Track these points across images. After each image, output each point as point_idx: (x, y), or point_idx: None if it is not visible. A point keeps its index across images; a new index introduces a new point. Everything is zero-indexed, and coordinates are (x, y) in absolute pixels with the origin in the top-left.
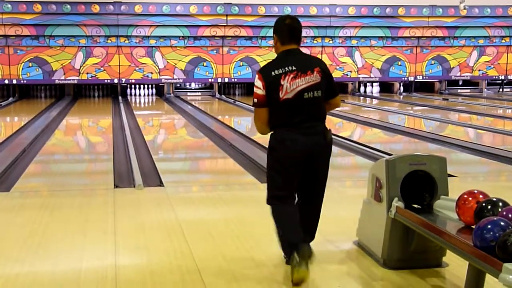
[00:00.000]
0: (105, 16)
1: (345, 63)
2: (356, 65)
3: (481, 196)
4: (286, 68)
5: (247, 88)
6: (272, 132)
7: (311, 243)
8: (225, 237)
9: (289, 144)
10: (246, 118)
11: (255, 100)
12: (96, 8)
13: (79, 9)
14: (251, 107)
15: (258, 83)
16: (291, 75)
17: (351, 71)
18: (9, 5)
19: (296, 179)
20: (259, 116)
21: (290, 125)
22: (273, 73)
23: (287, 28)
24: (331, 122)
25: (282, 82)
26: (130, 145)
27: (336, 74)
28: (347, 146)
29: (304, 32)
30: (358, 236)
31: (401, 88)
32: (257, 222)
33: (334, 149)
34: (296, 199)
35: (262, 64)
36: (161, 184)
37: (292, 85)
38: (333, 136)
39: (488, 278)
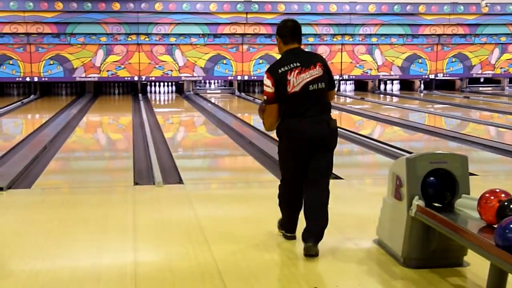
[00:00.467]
0: (126, 14)
1: (365, 61)
2: (376, 63)
3: (503, 195)
4: (291, 64)
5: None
6: (282, 121)
7: (326, 236)
8: (245, 235)
9: (295, 132)
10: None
11: (265, 97)
12: (116, 6)
13: (100, 7)
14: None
15: (267, 81)
16: (296, 71)
17: (371, 69)
18: (31, 3)
19: (301, 165)
20: (271, 112)
21: (297, 115)
22: (279, 70)
23: (289, 29)
24: (351, 120)
25: (289, 78)
26: (150, 143)
27: (356, 72)
28: (367, 144)
29: (323, 30)
30: (378, 235)
31: (422, 86)
32: (276, 220)
33: (354, 147)
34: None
35: None
36: (180, 181)
37: (298, 79)
38: (350, 133)
39: (511, 277)
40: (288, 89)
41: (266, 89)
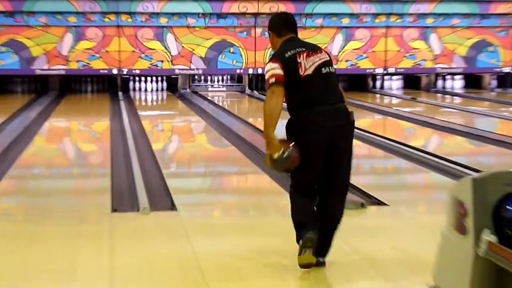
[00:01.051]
0: None
1: (417, 49)
2: (433, 52)
3: None
4: (297, 49)
5: None
6: (293, 114)
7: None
8: (258, 279)
9: (314, 125)
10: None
11: (274, 79)
12: None
13: None
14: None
15: (274, 65)
16: (304, 54)
17: (425, 60)
18: None
19: (320, 166)
20: (274, 91)
21: (312, 103)
22: (286, 54)
23: (282, 21)
24: (398, 127)
25: (299, 60)
26: (133, 156)
27: (406, 64)
28: (419, 159)
29: (363, 8)
30: (435, 279)
31: (493, 82)
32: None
33: (402, 162)
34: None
35: None
36: (173, 207)
37: (308, 62)
38: (397, 144)
39: None
40: (300, 72)
41: (273, 71)
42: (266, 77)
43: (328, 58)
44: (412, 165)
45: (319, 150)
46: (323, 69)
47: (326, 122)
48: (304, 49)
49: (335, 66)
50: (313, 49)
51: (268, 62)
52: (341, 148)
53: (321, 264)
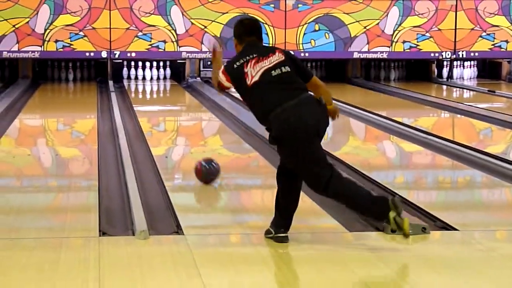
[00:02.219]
0: None
1: (496, 26)
2: None
3: None
4: (247, 57)
5: (326, 68)
6: (268, 124)
7: None
8: None
9: (293, 120)
10: None
11: (218, 84)
12: None
13: None
14: (333, 101)
15: (222, 77)
16: (253, 61)
17: (507, 41)
18: None
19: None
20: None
21: (279, 104)
22: (235, 65)
23: (244, 27)
24: (471, 127)
25: (245, 70)
26: (127, 164)
27: (481, 46)
28: (498, 170)
29: None
30: None
31: None
32: None
33: (477, 174)
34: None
35: (351, 28)
36: (178, 230)
37: (255, 68)
38: (469, 150)
39: None
40: (248, 81)
41: (221, 80)
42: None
43: (283, 59)
44: (490, 178)
45: (311, 138)
46: (273, 71)
47: (301, 113)
48: (254, 55)
49: (387, 49)
50: (265, 53)
51: (220, 70)
52: (319, 135)
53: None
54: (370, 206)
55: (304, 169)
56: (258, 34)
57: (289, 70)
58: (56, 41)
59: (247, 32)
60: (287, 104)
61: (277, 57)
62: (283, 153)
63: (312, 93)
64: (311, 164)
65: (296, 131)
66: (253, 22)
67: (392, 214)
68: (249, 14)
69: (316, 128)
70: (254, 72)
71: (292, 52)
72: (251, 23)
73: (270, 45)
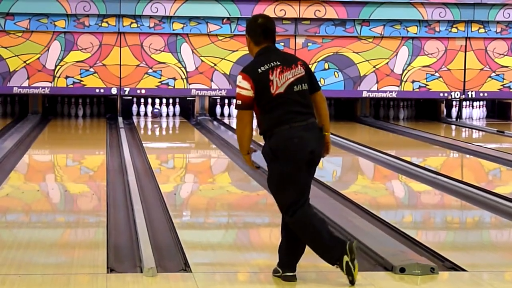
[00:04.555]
0: None
1: (506, 67)
2: None
3: None
4: (272, 63)
5: (336, 107)
6: (269, 134)
7: None
8: None
9: (297, 142)
10: (334, 159)
11: (239, 102)
12: None
13: None
14: (340, 139)
15: (244, 83)
16: (278, 69)
17: None
18: None
19: (308, 180)
20: (242, 118)
21: (287, 122)
22: (259, 70)
23: (260, 28)
24: (479, 167)
25: (271, 78)
26: (136, 200)
27: (491, 87)
28: (508, 211)
29: (435, 14)
30: None
31: None
32: None
33: (485, 214)
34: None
35: (360, 67)
36: (186, 267)
37: (281, 79)
38: (478, 191)
39: None
40: (272, 90)
41: (241, 91)
42: (236, 92)
43: (303, 73)
44: (499, 218)
45: (303, 165)
46: (295, 87)
47: (305, 138)
48: (279, 63)
49: (396, 88)
50: (288, 63)
51: (240, 73)
52: (315, 163)
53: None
54: (328, 248)
55: (282, 189)
56: (273, 38)
57: (306, 88)
58: (67, 77)
59: (264, 34)
60: (296, 125)
61: (300, 71)
62: (272, 167)
63: (316, 121)
64: (292, 187)
65: (296, 153)
66: (270, 24)
67: (346, 258)
68: None
69: (314, 155)
70: (280, 82)
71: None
72: (268, 25)
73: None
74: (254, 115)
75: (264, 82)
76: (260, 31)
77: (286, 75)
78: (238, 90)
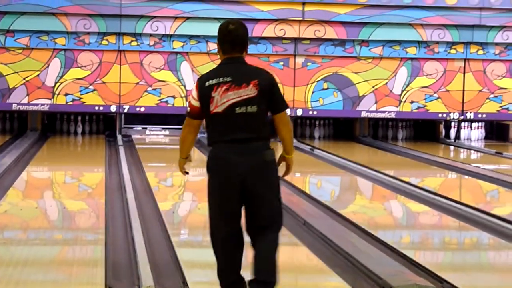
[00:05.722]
0: (101, 0)
1: (504, 88)
2: None
3: None
4: (221, 78)
5: (334, 126)
6: (210, 148)
7: None
8: None
9: (222, 164)
10: (333, 179)
11: (188, 109)
12: None
13: None
14: (338, 159)
15: (194, 93)
16: (224, 87)
17: None
18: None
19: (236, 208)
20: (187, 125)
21: (224, 142)
22: (206, 83)
23: (228, 36)
24: (478, 189)
25: (213, 94)
26: (134, 218)
27: (489, 108)
28: (506, 232)
29: (434, 35)
30: None
31: None
32: None
33: (484, 236)
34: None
35: (359, 87)
36: (184, 286)
37: (222, 98)
38: (476, 212)
39: None
40: (211, 107)
41: (191, 100)
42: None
43: (253, 95)
44: (497, 240)
45: (227, 191)
46: (237, 108)
47: (235, 162)
48: (228, 80)
49: (395, 108)
50: (240, 82)
51: (196, 81)
52: (257, 192)
53: None
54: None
55: (209, 205)
56: (241, 48)
57: (255, 110)
58: (66, 94)
59: (231, 44)
60: (228, 146)
61: (249, 92)
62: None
63: (264, 145)
64: (213, 207)
65: (220, 176)
66: (239, 32)
67: None
68: None
69: (246, 183)
70: (220, 101)
71: (274, 79)
72: (236, 34)
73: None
74: None
75: (206, 97)
76: (228, 39)
77: (229, 94)
78: (189, 97)
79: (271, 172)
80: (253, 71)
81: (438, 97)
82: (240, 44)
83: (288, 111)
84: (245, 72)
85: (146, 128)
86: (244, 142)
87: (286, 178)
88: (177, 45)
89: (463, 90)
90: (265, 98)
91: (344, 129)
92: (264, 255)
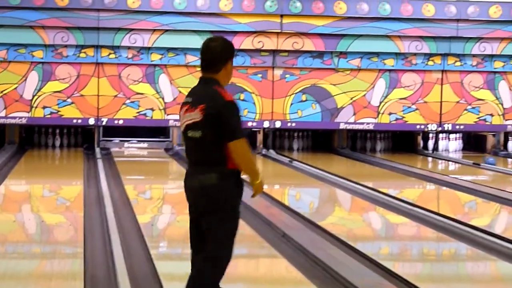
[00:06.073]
0: (78, 13)
1: (482, 100)
2: (502, 104)
3: None
4: (187, 98)
5: (313, 138)
6: None
7: None
8: None
9: (184, 181)
10: (312, 191)
11: None
12: (63, 0)
13: (35, 1)
14: (317, 171)
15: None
16: (185, 108)
17: (492, 114)
18: None
19: (193, 233)
20: None
21: (188, 160)
22: (183, 101)
23: (202, 55)
24: (456, 200)
25: (180, 113)
26: (113, 232)
27: (467, 119)
28: (483, 243)
29: (412, 47)
30: None
31: None
32: None
33: (462, 247)
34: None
35: (337, 99)
36: None
37: (183, 119)
38: (454, 222)
39: None
40: (180, 125)
41: None
42: None
43: (199, 119)
44: (475, 250)
45: (189, 210)
46: (189, 131)
47: (187, 189)
48: (190, 101)
49: (373, 120)
50: (195, 104)
51: None
52: (199, 212)
53: None
54: None
55: None
56: (212, 69)
57: (198, 135)
58: (44, 107)
59: (202, 63)
60: (189, 165)
61: (195, 116)
62: None
63: (208, 169)
64: None
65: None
66: (208, 55)
67: None
68: (236, 84)
69: (195, 213)
70: (181, 121)
71: (225, 107)
72: (206, 55)
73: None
74: None
75: (180, 113)
76: (202, 58)
77: (186, 115)
78: None
79: (207, 197)
80: (208, 95)
81: (416, 109)
82: (210, 65)
83: (242, 140)
84: (201, 95)
85: (125, 141)
86: (195, 164)
87: (265, 190)
88: (155, 57)
89: (441, 102)
90: (212, 124)
91: (322, 140)
92: (192, 277)
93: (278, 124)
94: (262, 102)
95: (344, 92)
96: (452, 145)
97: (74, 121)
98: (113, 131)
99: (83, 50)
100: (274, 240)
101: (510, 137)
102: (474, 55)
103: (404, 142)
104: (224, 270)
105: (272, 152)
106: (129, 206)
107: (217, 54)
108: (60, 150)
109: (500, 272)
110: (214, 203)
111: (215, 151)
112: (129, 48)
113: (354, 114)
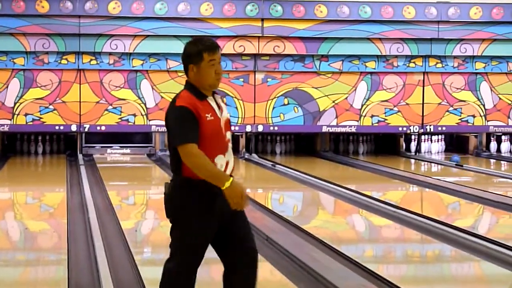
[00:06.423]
0: (59, 20)
1: (463, 101)
2: (484, 106)
3: None
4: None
5: (295, 142)
6: None
7: None
8: None
9: None
10: (295, 194)
11: None
12: (44, 7)
13: (16, 8)
14: (300, 174)
15: None
16: None
17: (474, 116)
18: None
19: None
20: None
21: None
22: None
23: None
24: (439, 201)
25: None
26: (97, 238)
27: (449, 121)
28: (467, 244)
29: (393, 49)
30: None
31: None
32: None
33: (446, 248)
34: None
35: (319, 102)
36: None
37: None
38: (438, 224)
39: None
40: None
41: None
42: None
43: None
44: (459, 252)
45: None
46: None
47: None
48: None
49: (355, 123)
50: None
51: None
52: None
53: None
54: None
55: None
56: (185, 73)
57: (168, 141)
58: (26, 114)
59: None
60: None
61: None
62: None
63: (174, 176)
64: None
65: None
66: (185, 48)
67: None
68: (218, 88)
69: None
70: None
71: (171, 112)
72: (184, 60)
73: (176, 103)
74: None
75: None
76: None
77: None
78: None
79: (166, 205)
80: (172, 101)
81: (398, 111)
82: (184, 63)
83: (188, 146)
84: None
85: (108, 147)
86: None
87: (247, 190)
88: (136, 63)
89: (423, 103)
90: (168, 131)
91: (305, 144)
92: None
93: (260, 128)
94: (244, 106)
95: (326, 95)
96: (435, 146)
97: (57, 127)
98: (95, 137)
99: (64, 57)
100: (258, 244)
101: (492, 138)
102: (455, 57)
103: (387, 144)
104: (174, 285)
105: (254, 156)
106: (113, 212)
107: (182, 58)
108: (43, 157)
109: (484, 272)
110: (167, 213)
111: (173, 159)
112: (110, 54)
113: (337, 117)
